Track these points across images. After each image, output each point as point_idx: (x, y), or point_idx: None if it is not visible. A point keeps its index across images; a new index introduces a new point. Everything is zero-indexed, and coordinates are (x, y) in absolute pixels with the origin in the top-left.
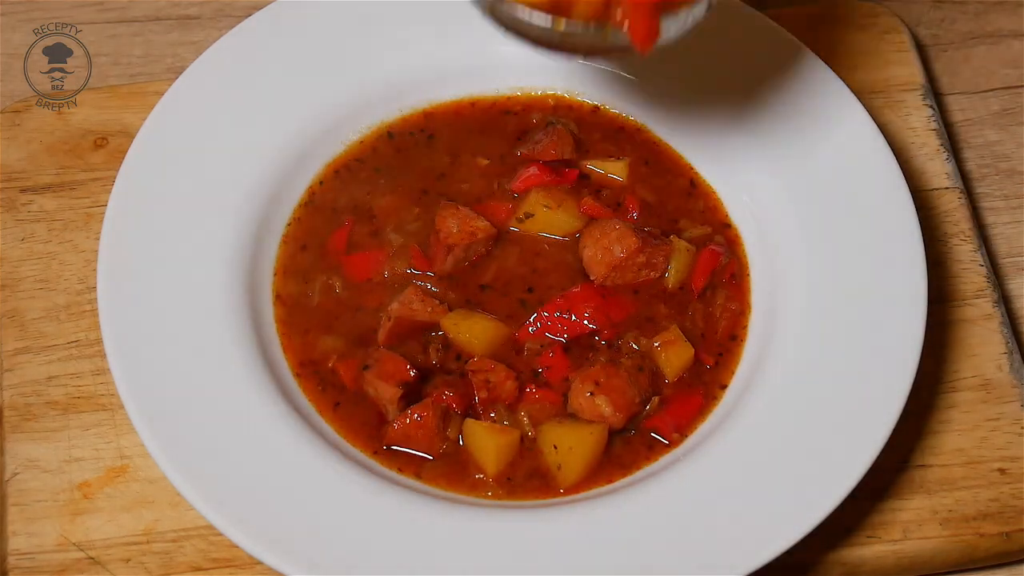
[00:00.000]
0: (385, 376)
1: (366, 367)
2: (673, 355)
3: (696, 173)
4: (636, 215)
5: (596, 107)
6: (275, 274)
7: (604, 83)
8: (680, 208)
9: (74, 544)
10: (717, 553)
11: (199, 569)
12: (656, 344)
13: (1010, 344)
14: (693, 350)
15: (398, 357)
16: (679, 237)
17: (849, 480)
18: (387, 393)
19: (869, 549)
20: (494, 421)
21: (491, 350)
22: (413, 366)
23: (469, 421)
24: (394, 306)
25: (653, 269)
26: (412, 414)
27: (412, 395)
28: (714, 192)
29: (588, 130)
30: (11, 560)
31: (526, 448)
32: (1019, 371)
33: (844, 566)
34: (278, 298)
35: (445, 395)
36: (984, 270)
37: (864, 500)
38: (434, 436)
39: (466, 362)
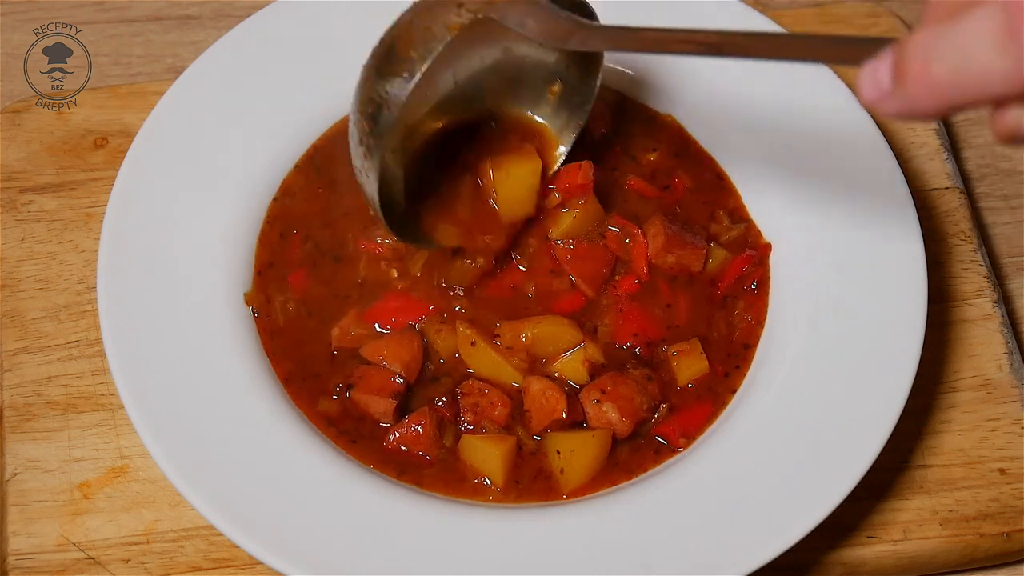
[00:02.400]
0: (374, 390)
1: (351, 386)
2: (684, 366)
3: (720, 167)
4: (682, 188)
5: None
6: (255, 275)
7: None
8: (715, 199)
9: (74, 544)
10: (717, 553)
11: (199, 569)
12: (673, 352)
13: (1010, 344)
14: (708, 364)
15: (381, 370)
16: (717, 242)
17: (849, 480)
18: (380, 407)
19: (869, 549)
20: (486, 433)
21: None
22: (397, 373)
23: (465, 437)
24: (335, 332)
25: (682, 270)
26: (409, 424)
27: (403, 403)
28: (734, 187)
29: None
30: (11, 560)
31: (528, 452)
32: (1019, 371)
33: (844, 566)
34: (255, 314)
35: (440, 402)
36: (984, 270)
37: (864, 500)
38: (432, 444)
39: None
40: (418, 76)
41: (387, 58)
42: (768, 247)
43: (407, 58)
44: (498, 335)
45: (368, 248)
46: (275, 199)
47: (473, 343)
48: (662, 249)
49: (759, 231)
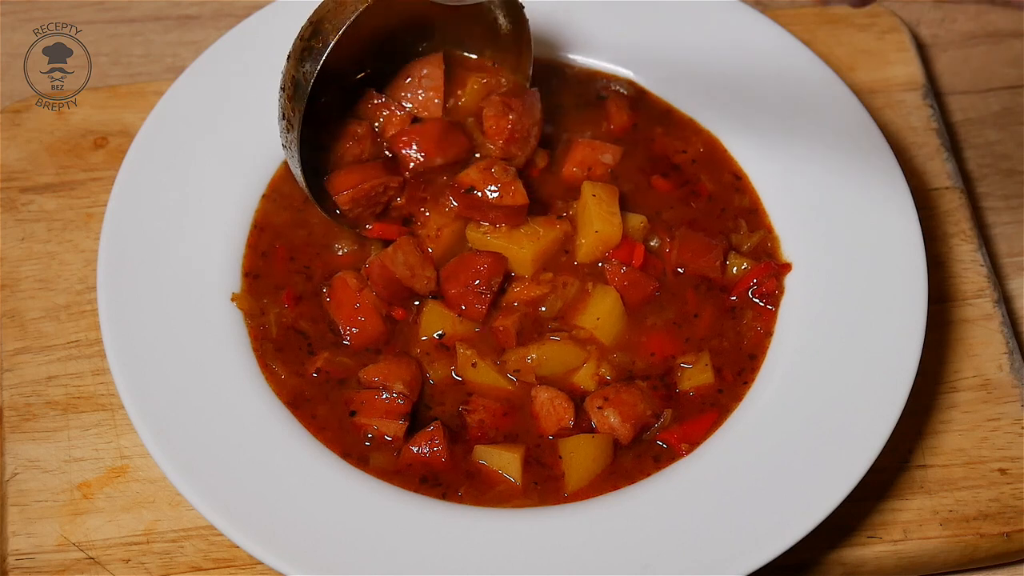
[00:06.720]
0: (380, 414)
1: (353, 413)
2: (687, 376)
3: (740, 167)
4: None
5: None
6: (243, 276)
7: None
8: (730, 204)
9: (74, 544)
10: (717, 553)
11: (199, 569)
12: (681, 363)
13: (1010, 344)
14: (714, 377)
15: (381, 393)
16: (739, 252)
17: (849, 480)
18: (391, 429)
19: (869, 549)
20: (495, 442)
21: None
22: (400, 393)
23: (479, 447)
24: (323, 356)
25: (703, 278)
26: (423, 443)
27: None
28: (752, 187)
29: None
30: (11, 560)
31: (535, 458)
32: (1019, 371)
33: (844, 566)
34: (247, 321)
35: (452, 413)
36: (984, 270)
37: (864, 500)
38: (448, 456)
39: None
40: (328, 49)
41: (311, 35)
42: (788, 267)
43: (323, 31)
44: (504, 360)
45: (332, 261)
46: (265, 195)
47: (474, 364)
48: (686, 256)
49: (778, 240)
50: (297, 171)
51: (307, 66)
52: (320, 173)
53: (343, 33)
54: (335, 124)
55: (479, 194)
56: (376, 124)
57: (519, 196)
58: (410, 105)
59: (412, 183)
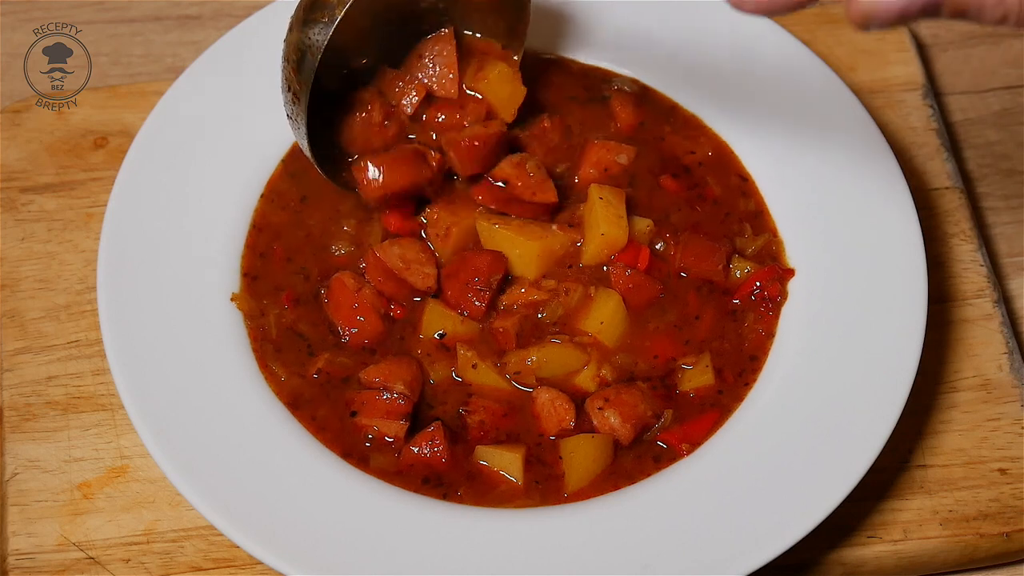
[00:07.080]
0: (381, 414)
1: (353, 414)
2: (688, 377)
3: (745, 168)
4: (712, 201)
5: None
6: (242, 276)
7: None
8: (735, 207)
9: (74, 544)
10: (717, 553)
11: (199, 569)
12: (682, 365)
13: (1010, 344)
14: (714, 378)
15: (382, 393)
16: (743, 256)
17: (849, 480)
18: (391, 429)
19: (869, 549)
20: (496, 442)
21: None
22: (401, 394)
23: (480, 447)
24: (324, 357)
25: (705, 281)
26: (424, 443)
27: (411, 422)
28: (758, 190)
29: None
30: (11, 560)
31: (537, 459)
32: (1019, 371)
33: (844, 566)
34: (247, 322)
35: (451, 414)
36: (984, 270)
37: (864, 500)
38: (448, 456)
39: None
40: (337, 20)
41: (311, 7)
42: (792, 272)
43: (327, 4)
44: (504, 362)
45: (330, 262)
46: (263, 196)
47: (474, 365)
48: (689, 259)
49: (783, 244)
50: (304, 142)
51: (315, 36)
52: (333, 145)
53: (350, 6)
54: (341, 97)
55: (502, 186)
56: (392, 99)
57: (550, 194)
58: (426, 80)
59: (440, 182)
